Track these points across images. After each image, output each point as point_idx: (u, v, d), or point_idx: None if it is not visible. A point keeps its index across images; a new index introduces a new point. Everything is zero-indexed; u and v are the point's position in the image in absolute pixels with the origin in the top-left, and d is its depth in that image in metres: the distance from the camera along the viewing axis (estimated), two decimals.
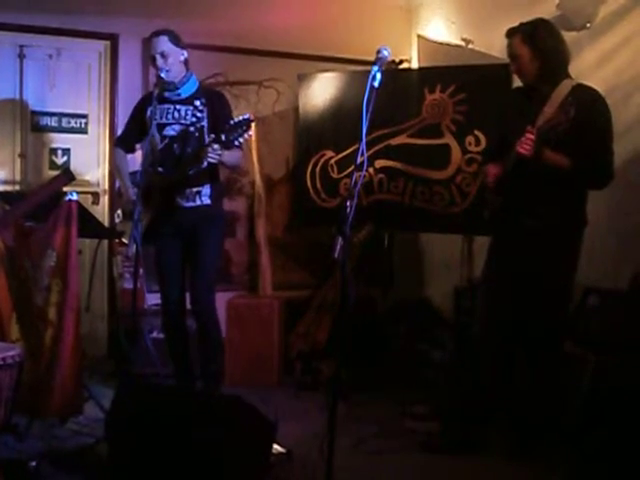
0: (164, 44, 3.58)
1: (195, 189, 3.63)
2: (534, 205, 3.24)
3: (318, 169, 5.01)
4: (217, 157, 3.38)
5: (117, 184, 4.65)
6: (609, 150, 3.14)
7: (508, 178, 3.25)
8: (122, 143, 3.86)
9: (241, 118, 3.31)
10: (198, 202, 3.65)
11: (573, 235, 3.25)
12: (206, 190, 3.67)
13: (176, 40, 3.63)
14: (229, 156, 3.48)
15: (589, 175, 3.15)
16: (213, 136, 3.37)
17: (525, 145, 3.05)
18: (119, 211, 3.80)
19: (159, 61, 3.57)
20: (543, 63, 3.17)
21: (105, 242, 4.66)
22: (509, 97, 3.51)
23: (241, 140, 3.32)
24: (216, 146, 3.34)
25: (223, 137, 3.31)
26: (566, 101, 3.07)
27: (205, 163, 3.47)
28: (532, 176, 3.18)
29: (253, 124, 3.34)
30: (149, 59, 3.67)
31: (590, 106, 3.12)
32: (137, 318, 4.30)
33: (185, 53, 3.66)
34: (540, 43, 3.16)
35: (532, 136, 3.03)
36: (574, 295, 3.36)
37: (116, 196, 4.86)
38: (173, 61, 3.59)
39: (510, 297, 3.34)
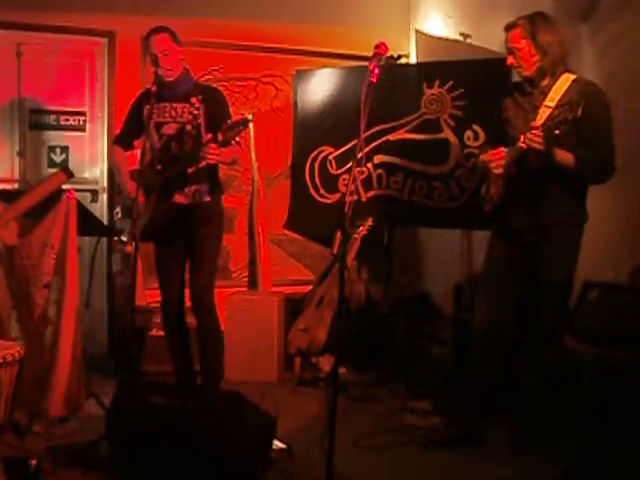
0: (167, 42, 3.53)
1: (194, 187, 3.63)
2: (535, 201, 3.23)
3: (317, 165, 5.00)
4: (216, 157, 3.37)
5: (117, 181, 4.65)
6: (611, 144, 3.14)
7: (509, 173, 3.24)
8: (121, 141, 3.84)
9: (239, 118, 3.29)
10: (198, 199, 3.65)
11: (574, 231, 3.25)
12: (205, 187, 3.66)
13: (175, 38, 3.59)
14: (227, 154, 3.47)
15: (592, 170, 3.14)
16: (211, 136, 3.36)
17: (535, 139, 3.02)
18: (118, 208, 3.79)
19: (162, 60, 3.51)
20: (542, 57, 3.17)
21: (104, 240, 4.66)
22: (506, 91, 3.50)
23: (237, 139, 3.31)
24: (214, 146, 3.33)
25: (220, 137, 3.30)
26: (572, 98, 3.06)
27: (204, 163, 3.47)
28: (533, 172, 3.18)
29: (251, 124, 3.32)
30: (150, 57, 3.59)
31: (594, 101, 3.12)
32: (136, 315, 4.29)
33: (182, 51, 3.62)
34: (539, 37, 3.16)
35: (539, 132, 3.02)
36: (574, 290, 3.36)
37: (115, 193, 4.85)
38: (175, 59, 3.56)
39: (511, 293, 3.34)
